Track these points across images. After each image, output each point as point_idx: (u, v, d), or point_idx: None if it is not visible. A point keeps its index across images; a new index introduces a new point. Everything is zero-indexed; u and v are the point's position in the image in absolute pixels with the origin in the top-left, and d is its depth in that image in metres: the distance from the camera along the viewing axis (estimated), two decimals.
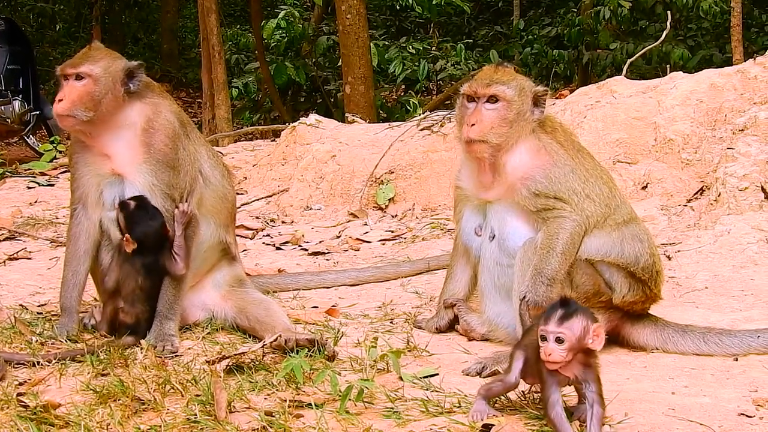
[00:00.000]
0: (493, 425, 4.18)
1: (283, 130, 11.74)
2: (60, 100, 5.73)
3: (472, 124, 5.43)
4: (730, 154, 7.68)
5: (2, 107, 15.50)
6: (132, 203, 5.59)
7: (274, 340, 5.14)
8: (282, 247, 8.70)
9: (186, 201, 5.76)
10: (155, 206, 5.63)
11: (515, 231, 5.45)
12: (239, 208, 8.56)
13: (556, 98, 10.57)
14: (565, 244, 5.26)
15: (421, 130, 10.11)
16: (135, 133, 5.73)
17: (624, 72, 10.77)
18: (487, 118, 5.42)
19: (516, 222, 5.45)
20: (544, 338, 4.12)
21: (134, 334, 5.53)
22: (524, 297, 5.21)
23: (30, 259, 8.19)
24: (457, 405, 4.44)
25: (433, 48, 19.77)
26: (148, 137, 5.72)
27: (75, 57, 5.89)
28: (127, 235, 5.57)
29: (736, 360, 5.16)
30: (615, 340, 5.43)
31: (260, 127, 16.53)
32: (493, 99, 5.44)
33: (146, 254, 5.62)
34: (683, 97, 8.53)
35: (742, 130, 7.86)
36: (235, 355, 5.04)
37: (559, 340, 4.11)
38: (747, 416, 4.33)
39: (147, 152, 5.70)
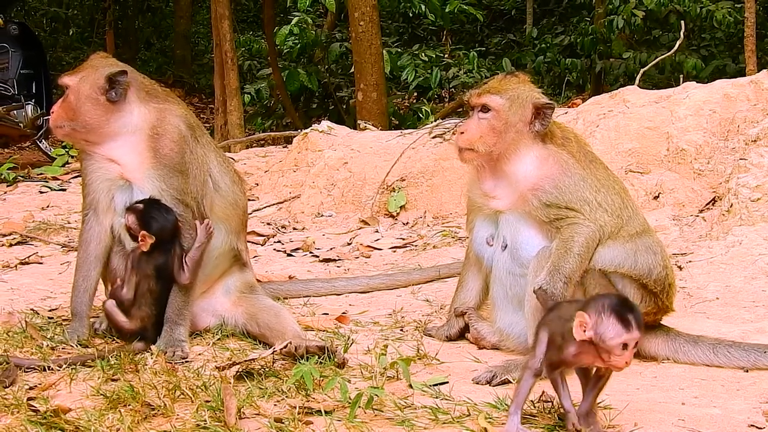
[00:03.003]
0: None
1: (295, 136, 11.76)
2: (52, 112, 5.84)
3: (462, 132, 5.53)
4: (742, 165, 7.66)
5: (15, 111, 15.51)
6: (141, 204, 5.60)
7: (284, 347, 5.14)
8: (293, 253, 8.70)
9: (200, 207, 5.77)
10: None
11: (528, 241, 5.44)
12: (250, 214, 8.56)
13: (569, 107, 10.56)
14: (581, 247, 5.26)
15: (433, 137, 10.11)
16: (141, 138, 5.75)
17: (637, 81, 10.78)
18: (476, 127, 5.49)
19: (529, 232, 5.45)
20: (626, 347, 4.03)
21: (144, 340, 5.53)
22: (539, 287, 5.18)
23: (41, 263, 8.20)
24: (467, 413, 4.43)
25: (446, 56, 19.76)
26: (153, 143, 5.73)
27: None
28: (143, 232, 5.57)
29: (747, 371, 5.14)
30: None
31: (272, 134, 16.55)
32: (485, 108, 5.49)
33: (160, 254, 5.62)
34: (696, 107, 8.52)
35: (755, 140, 7.85)
36: (245, 361, 5.04)
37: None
38: (757, 428, 4.33)
39: (154, 157, 5.71)
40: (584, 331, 4.02)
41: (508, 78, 5.66)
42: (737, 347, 5.30)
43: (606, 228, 5.35)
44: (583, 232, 5.29)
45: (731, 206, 7.45)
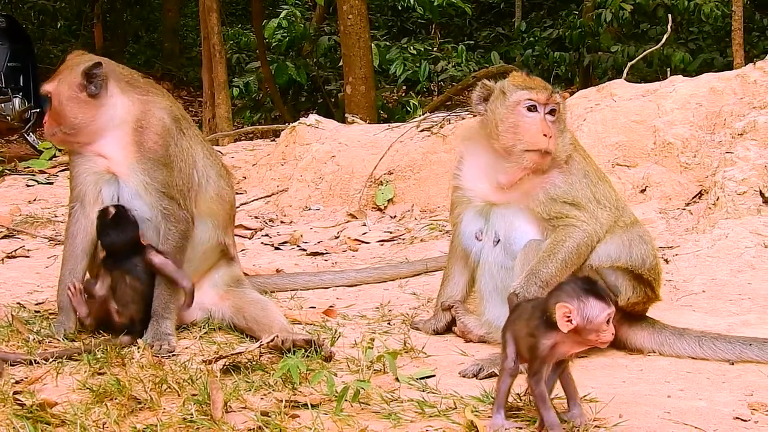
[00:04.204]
0: None
1: (283, 130, 11.75)
2: (45, 122, 5.88)
3: (550, 136, 5.33)
4: (728, 159, 7.68)
5: (2, 104, 15.50)
6: (110, 211, 5.61)
7: (271, 341, 5.13)
8: (280, 247, 8.70)
9: (186, 200, 5.76)
10: (132, 218, 5.63)
11: (523, 235, 5.40)
12: (238, 207, 8.56)
13: None
14: (569, 252, 5.25)
15: (421, 131, 10.11)
16: (125, 132, 5.72)
17: (624, 75, 10.77)
18: (554, 130, 5.36)
19: (525, 227, 5.41)
20: (608, 321, 4.06)
21: (130, 334, 5.52)
22: (514, 291, 5.18)
23: (28, 257, 8.19)
24: (453, 407, 4.43)
25: (435, 49, 19.79)
26: (138, 136, 5.71)
27: None
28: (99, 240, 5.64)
29: (732, 364, 5.15)
30: (612, 342, 5.39)
31: (260, 127, 16.55)
32: (552, 110, 5.41)
33: (128, 258, 5.62)
34: (683, 101, 8.54)
35: (741, 134, 7.87)
36: (232, 354, 5.04)
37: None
38: (742, 420, 4.33)
39: (138, 151, 5.69)
40: (570, 320, 4.03)
41: (533, 78, 5.63)
42: (723, 340, 5.30)
43: (604, 227, 5.35)
44: (577, 236, 5.28)
45: (717, 199, 7.47)
